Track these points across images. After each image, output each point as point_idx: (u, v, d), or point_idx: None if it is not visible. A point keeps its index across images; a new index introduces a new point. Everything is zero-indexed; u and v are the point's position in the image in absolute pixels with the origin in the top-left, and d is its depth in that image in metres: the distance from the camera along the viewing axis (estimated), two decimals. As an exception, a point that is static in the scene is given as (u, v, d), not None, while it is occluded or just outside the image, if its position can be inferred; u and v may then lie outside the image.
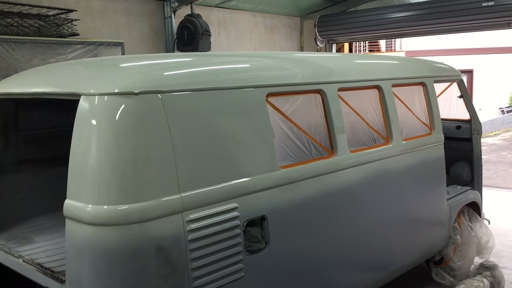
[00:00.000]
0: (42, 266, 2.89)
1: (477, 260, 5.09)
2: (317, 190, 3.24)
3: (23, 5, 6.18)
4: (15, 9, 6.13)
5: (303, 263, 3.18)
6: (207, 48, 7.96)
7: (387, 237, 3.96)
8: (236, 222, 2.71)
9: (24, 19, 6.16)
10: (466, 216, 5.06)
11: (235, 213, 2.71)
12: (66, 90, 2.72)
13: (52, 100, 2.96)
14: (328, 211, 3.34)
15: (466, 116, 5.50)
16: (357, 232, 3.61)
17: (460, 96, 5.31)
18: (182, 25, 7.99)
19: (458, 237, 4.82)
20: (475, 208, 5.18)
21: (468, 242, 4.92)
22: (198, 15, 8.06)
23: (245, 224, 2.77)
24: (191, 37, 7.83)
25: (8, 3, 6.04)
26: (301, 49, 11.45)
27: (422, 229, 4.42)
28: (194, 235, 2.51)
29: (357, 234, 3.61)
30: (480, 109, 5.94)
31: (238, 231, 2.71)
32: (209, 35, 8.01)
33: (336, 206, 3.40)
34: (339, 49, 13.20)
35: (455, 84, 5.25)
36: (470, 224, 5.04)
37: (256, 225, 2.89)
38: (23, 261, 3.00)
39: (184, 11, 8.29)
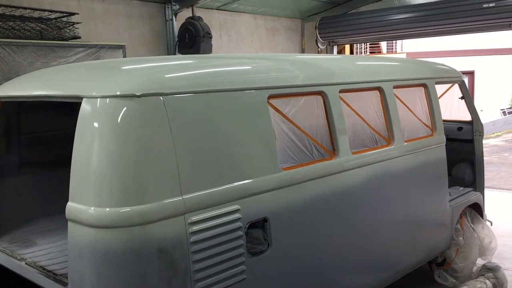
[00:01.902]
0: (44, 269, 2.89)
1: (480, 262, 5.09)
2: (319, 191, 3.24)
3: (25, 8, 6.20)
4: (17, 12, 6.15)
5: (305, 265, 3.18)
6: (209, 50, 7.97)
7: (389, 239, 3.96)
8: (238, 224, 2.71)
9: (26, 23, 6.18)
10: (468, 218, 5.05)
11: (237, 215, 2.71)
12: (68, 93, 2.72)
13: (54, 102, 2.97)
14: (330, 213, 3.34)
15: (467, 117, 5.50)
16: (359, 233, 3.61)
17: (462, 97, 5.31)
18: (184, 28, 8.00)
19: (461, 238, 4.81)
20: (477, 209, 5.17)
21: (470, 244, 4.91)
22: (199, 18, 8.07)
23: (247, 226, 2.77)
24: (193, 40, 7.83)
25: (10, 6, 6.06)
26: (302, 51, 11.46)
27: (424, 231, 4.41)
28: (196, 237, 2.51)
29: (359, 236, 3.61)
30: (481, 111, 5.93)
31: (240, 233, 2.71)
32: (211, 38, 8.02)
33: (338, 207, 3.40)
34: (340, 51, 13.20)
35: (456, 86, 5.25)
36: (472, 226, 5.03)
37: (258, 227, 2.89)
38: (26, 263, 3.00)
39: (185, 13, 8.30)
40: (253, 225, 2.84)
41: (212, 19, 9.12)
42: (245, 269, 2.76)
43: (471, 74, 20.52)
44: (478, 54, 20.07)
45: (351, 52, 14.38)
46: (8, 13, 6.06)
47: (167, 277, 2.42)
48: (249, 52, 9.99)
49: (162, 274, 2.41)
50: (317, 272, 3.28)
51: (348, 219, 3.50)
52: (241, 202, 2.73)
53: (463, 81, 5.18)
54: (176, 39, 8.20)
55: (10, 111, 3.64)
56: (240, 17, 9.94)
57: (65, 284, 2.62)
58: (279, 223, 2.95)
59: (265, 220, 2.89)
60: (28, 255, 3.13)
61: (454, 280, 4.88)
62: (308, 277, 3.21)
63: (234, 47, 9.77)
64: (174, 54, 8.21)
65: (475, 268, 4.99)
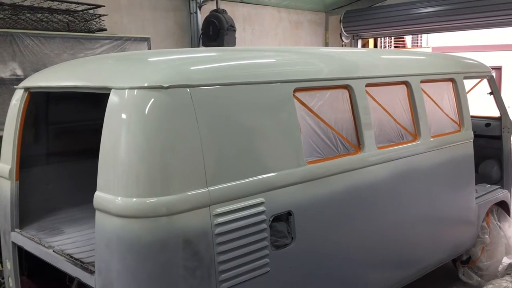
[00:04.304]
0: (72, 257, 2.94)
1: (506, 260, 5.01)
2: (343, 186, 3.21)
3: (52, 0, 6.28)
4: (45, 4, 6.24)
5: (328, 259, 3.17)
6: (232, 43, 7.95)
7: (413, 235, 3.91)
8: (263, 217, 2.71)
9: (54, 14, 6.27)
10: (495, 215, 4.97)
11: (261, 208, 2.71)
12: (97, 84, 2.75)
13: (82, 93, 3.01)
14: (354, 208, 3.32)
15: (496, 113, 5.39)
16: (383, 229, 3.57)
17: (490, 93, 5.20)
18: (208, 21, 8.00)
19: (487, 236, 4.73)
20: (504, 207, 5.08)
21: (496, 242, 4.84)
22: (224, 11, 8.06)
23: (271, 219, 2.78)
24: (217, 33, 7.83)
25: (39, -2, 6.15)
26: (326, 45, 11.35)
27: (449, 228, 4.35)
28: (221, 229, 2.52)
29: (383, 232, 3.57)
30: (509, 107, 5.78)
31: (264, 226, 2.72)
32: (234, 31, 8.00)
33: (362, 202, 3.37)
34: (364, 45, 13.05)
35: (485, 81, 5.14)
36: (499, 224, 4.95)
37: (282, 220, 2.89)
38: (53, 251, 3.06)
39: (210, 6, 8.31)
40: (277, 218, 2.84)
41: (236, 12, 9.10)
42: (268, 262, 2.76)
43: (498, 69, 20.06)
44: (506, 49, 19.58)
45: (375, 46, 14.20)
46: (36, 5, 6.15)
47: (192, 268, 2.44)
48: (273, 46, 9.95)
49: (187, 264, 2.43)
50: (340, 266, 3.27)
51: (372, 214, 3.46)
52: (265, 195, 2.73)
53: (492, 76, 5.07)
54: (200, 32, 8.21)
55: (38, 102, 3.70)
56: (264, 10, 9.90)
57: (92, 272, 2.67)
58: (303, 217, 2.94)
59: (289, 213, 2.88)
60: (55, 243, 3.19)
61: (479, 279, 4.81)
62: (331, 271, 3.20)
63: (257, 40, 9.74)
64: (198, 47, 8.23)
65: (500, 267, 4.92)
